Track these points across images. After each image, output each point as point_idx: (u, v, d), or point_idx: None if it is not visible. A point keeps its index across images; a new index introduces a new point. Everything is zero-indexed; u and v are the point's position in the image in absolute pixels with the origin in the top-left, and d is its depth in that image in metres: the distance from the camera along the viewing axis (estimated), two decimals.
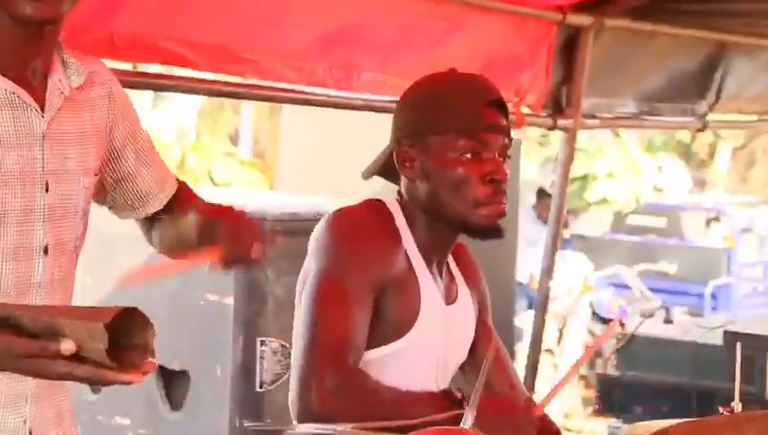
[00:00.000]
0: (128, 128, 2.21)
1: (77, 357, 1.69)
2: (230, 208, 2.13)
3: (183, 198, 2.29)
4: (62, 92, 2.04)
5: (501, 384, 2.50)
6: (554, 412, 8.45)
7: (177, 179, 2.36)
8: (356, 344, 2.24)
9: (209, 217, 2.10)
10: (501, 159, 2.34)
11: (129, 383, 1.77)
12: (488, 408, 2.04)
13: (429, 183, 2.34)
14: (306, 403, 2.17)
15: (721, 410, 3.57)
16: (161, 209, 2.29)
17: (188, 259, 2.11)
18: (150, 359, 1.79)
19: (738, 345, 3.79)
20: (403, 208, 2.38)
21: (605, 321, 9.62)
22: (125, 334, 1.77)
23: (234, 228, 2.05)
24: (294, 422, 2.22)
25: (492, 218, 2.33)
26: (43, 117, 2.00)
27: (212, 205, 2.18)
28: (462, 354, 2.49)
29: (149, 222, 2.30)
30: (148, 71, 3.37)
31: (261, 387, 3.45)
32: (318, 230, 2.32)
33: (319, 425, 1.99)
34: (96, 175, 2.15)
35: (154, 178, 2.26)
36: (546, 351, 8.49)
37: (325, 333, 2.22)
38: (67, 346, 1.67)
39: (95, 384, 1.78)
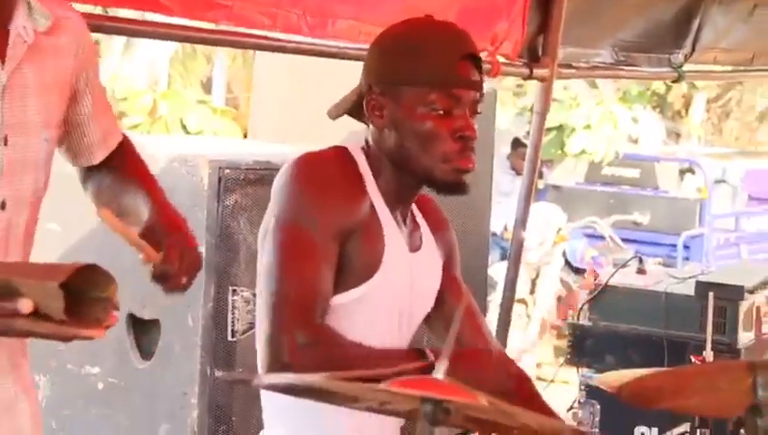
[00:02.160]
0: (90, 77, 2.19)
1: (37, 314, 1.68)
2: (179, 221, 2.13)
3: (126, 159, 2.30)
4: (25, 41, 1.99)
5: (471, 337, 2.49)
6: (527, 362, 8.51)
7: (123, 134, 2.36)
8: (323, 297, 2.23)
9: (158, 220, 2.08)
10: (472, 115, 2.31)
11: (90, 338, 1.77)
12: (461, 361, 2.04)
13: (397, 133, 2.31)
14: (277, 359, 2.16)
15: (693, 359, 3.60)
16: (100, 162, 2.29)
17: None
18: (114, 313, 1.78)
19: (710, 296, 3.82)
20: (368, 156, 2.36)
21: (578, 271, 9.66)
22: (89, 288, 1.75)
23: (177, 250, 2.03)
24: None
25: (458, 174, 2.31)
26: (2, 69, 1.96)
27: (160, 198, 2.17)
28: (427, 304, 2.48)
29: (87, 171, 2.31)
30: (121, 15, 3.33)
31: (233, 336, 3.44)
32: (280, 178, 2.29)
33: (296, 375, 1.98)
34: (59, 127, 2.12)
35: (101, 131, 2.26)
36: (519, 301, 8.52)
37: (293, 287, 2.20)
38: (25, 305, 1.66)
39: (57, 340, 1.77)
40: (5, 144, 1.98)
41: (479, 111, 2.34)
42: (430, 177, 2.32)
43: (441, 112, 2.28)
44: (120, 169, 2.28)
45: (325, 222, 2.24)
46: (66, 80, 2.12)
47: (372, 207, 2.33)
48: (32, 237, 2.14)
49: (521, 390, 2.40)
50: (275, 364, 2.16)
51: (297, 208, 2.25)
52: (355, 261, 2.29)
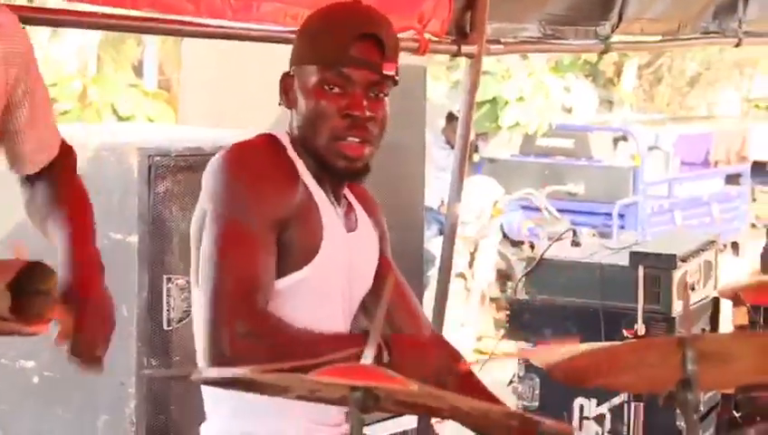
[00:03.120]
0: (29, 84, 2.15)
1: None
2: (94, 277, 2.03)
3: (59, 182, 2.24)
4: None
5: (403, 318, 2.51)
6: (468, 336, 8.55)
7: (64, 143, 2.31)
8: (264, 286, 2.23)
9: (73, 280, 1.98)
10: (372, 96, 2.31)
11: (34, 335, 1.75)
12: (401, 348, 2.07)
13: (297, 113, 2.35)
14: (218, 350, 2.16)
15: (625, 332, 3.64)
16: (38, 171, 2.24)
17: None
18: (54, 306, 1.76)
19: (640, 268, 3.86)
20: (292, 140, 2.38)
21: (515, 243, 9.71)
22: (29, 282, 1.74)
23: (89, 317, 1.97)
24: (200, 365, 2.21)
25: (347, 161, 2.31)
26: None
27: (79, 242, 2.09)
28: (366, 283, 2.49)
29: (23, 178, 2.26)
30: (46, 5, 3.28)
31: (168, 325, 3.42)
32: (212, 168, 2.30)
33: (224, 369, 1.98)
34: None
35: (35, 144, 2.21)
36: (458, 275, 8.55)
37: (232, 279, 2.20)
38: None
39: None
40: None
41: (383, 91, 2.33)
42: (323, 158, 2.33)
43: (335, 90, 2.30)
44: (52, 190, 2.23)
45: (261, 212, 2.25)
46: (1, 85, 2.07)
47: (307, 191, 2.34)
48: None
49: (461, 375, 2.42)
50: (216, 356, 2.17)
51: (232, 201, 2.25)
52: (294, 246, 2.30)
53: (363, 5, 2.39)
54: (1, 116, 2.13)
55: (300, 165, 2.35)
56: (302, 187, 2.33)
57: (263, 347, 2.15)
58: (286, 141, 2.38)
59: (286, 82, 2.38)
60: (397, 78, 2.35)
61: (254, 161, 2.31)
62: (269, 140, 2.37)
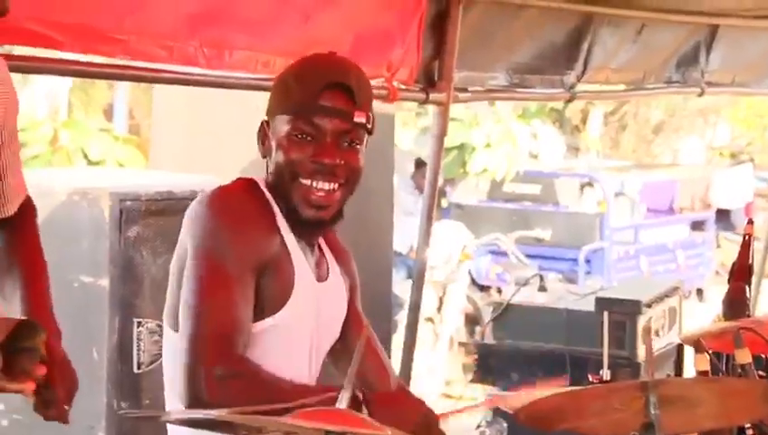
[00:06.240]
0: (11, 128, 2.18)
1: None
2: (57, 342, 2.05)
3: (24, 229, 2.26)
4: None
5: (370, 369, 2.52)
6: (436, 380, 8.57)
7: (27, 195, 2.33)
8: (242, 329, 2.26)
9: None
10: (345, 145, 2.34)
11: (19, 392, 1.77)
12: (379, 404, 2.09)
13: (270, 161, 2.38)
14: (195, 393, 2.18)
15: (590, 377, 3.68)
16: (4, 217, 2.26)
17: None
18: (40, 363, 1.78)
19: (605, 314, 3.92)
20: (268, 187, 2.41)
21: (483, 288, 9.76)
22: (15, 340, 1.75)
23: (58, 376, 1.99)
24: (169, 408, 2.23)
25: (315, 206, 2.34)
26: None
27: (36, 301, 2.13)
28: (334, 333, 2.51)
29: None
30: (13, 52, 3.30)
31: (139, 368, 3.43)
32: (193, 211, 2.32)
33: (194, 410, 1.99)
34: None
35: (13, 186, 2.24)
36: (427, 319, 8.58)
37: (211, 322, 2.22)
38: None
39: None
40: None
41: (356, 140, 2.36)
42: (293, 208, 2.35)
43: (307, 139, 2.33)
44: (14, 241, 2.24)
45: (242, 256, 2.27)
46: None
47: (282, 238, 2.36)
48: None
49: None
50: (194, 399, 2.18)
51: (214, 244, 2.28)
52: (267, 292, 2.32)
53: (335, 56, 2.44)
54: None
55: (277, 212, 2.38)
56: (277, 234, 2.36)
57: (240, 391, 2.17)
58: (264, 187, 2.41)
59: (263, 132, 2.41)
60: (370, 126, 2.38)
61: (236, 205, 2.33)
62: (249, 185, 2.40)
